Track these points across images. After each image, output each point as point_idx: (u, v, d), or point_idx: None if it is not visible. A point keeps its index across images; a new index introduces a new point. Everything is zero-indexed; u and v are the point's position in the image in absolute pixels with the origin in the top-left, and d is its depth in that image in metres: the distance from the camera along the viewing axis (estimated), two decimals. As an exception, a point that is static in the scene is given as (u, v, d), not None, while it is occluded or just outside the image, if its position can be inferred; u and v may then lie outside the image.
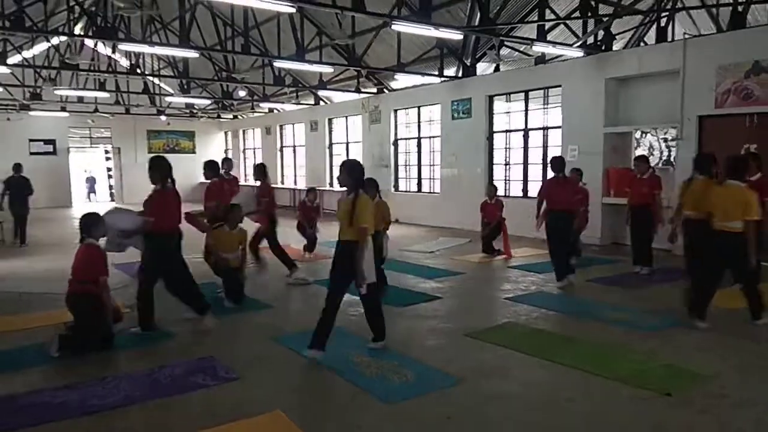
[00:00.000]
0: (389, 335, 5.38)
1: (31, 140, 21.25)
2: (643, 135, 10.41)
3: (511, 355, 4.90)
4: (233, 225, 6.95)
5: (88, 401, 3.94)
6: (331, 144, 18.81)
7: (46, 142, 21.59)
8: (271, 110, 21.64)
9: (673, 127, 9.77)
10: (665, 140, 10.07)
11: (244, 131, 24.49)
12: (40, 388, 4.22)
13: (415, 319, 6.10)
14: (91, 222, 5.13)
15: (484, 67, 13.59)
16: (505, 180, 12.93)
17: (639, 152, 10.15)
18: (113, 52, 16.32)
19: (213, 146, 25.42)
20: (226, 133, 25.61)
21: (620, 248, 10.06)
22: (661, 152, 10.68)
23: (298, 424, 3.61)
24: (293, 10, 8.12)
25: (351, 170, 4.71)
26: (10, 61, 14.18)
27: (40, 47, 16.95)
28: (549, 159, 9.04)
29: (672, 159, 9.95)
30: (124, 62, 18.82)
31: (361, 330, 5.68)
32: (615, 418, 3.71)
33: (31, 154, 21.07)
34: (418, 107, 15.15)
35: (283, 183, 21.42)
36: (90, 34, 12.54)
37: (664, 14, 10.02)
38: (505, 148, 12.94)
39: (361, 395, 4.08)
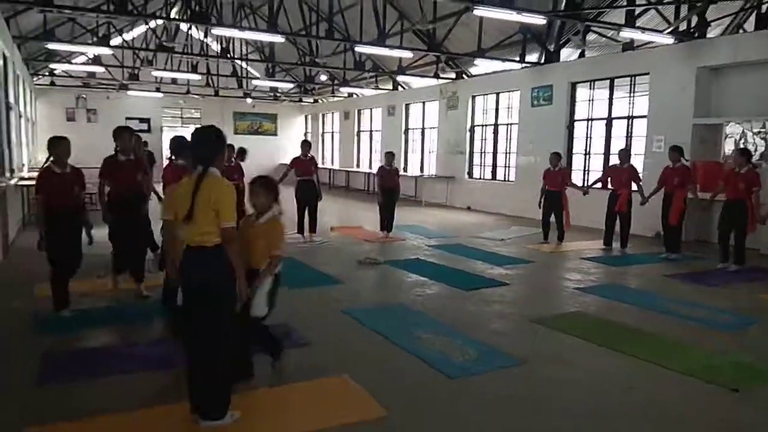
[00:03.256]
0: (456, 316, 5.52)
1: (127, 118, 22.66)
2: (738, 128, 9.87)
3: (576, 342, 4.90)
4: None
5: (173, 357, 4.28)
6: (407, 129, 18.95)
7: (142, 120, 22.96)
8: (350, 95, 22.02)
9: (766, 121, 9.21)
10: (759, 133, 9.50)
11: (323, 115, 25.08)
12: (134, 341, 4.70)
13: (481, 303, 6.18)
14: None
15: (567, 53, 13.23)
16: (585, 170, 12.62)
17: (730, 145, 9.66)
18: (205, 36, 17.13)
19: (294, 129, 26.19)
20: (306, 116, 26.31)
21: (704, 245, 9.64)
22: (756, 146, 10.11)
23: (364, 388, 3.82)
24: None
25: (199, 139, 3.29)
26: (113, 43, 15.22)
27: (139, 30, 18.09)
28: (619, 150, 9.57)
29: (766, 154, 9.38)
30: (215, 46, 19.75)
31: (426, 308, 5.85)
32: (675, 409, 3.67)
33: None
34: (497, 93, 14.99)
35: (359, 166, 21.82)
36: (185, 18, 13.21)
37: (766, 0, 9.39)
38: (587, 137, 12.61)
39: (424, 368, 4.24)
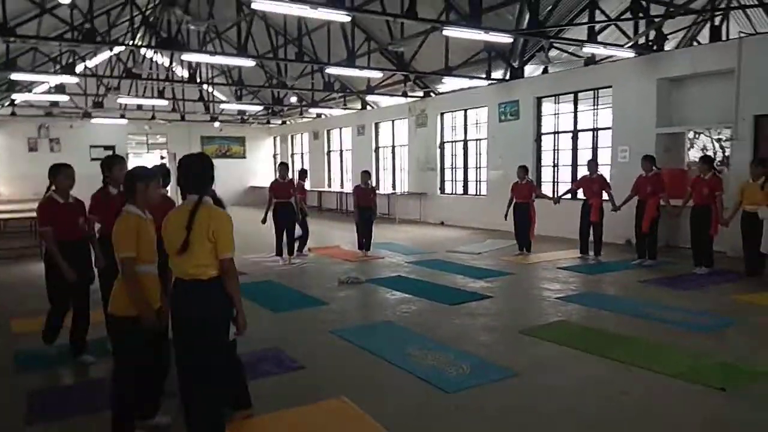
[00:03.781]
0: (444, 331, 5.58)
1: (92, 146, 22.28)
2: (696, 135, 10.28)
3: (565, 351, 5.00)
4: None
5: (168, 386, 4.22)
6: (377, 148, 19.09)
7: (107, 147, 22.55)
8: (318, 115, 22.10)
9: (727, 128, 9.62)
10: (719, 140, 9.91)
11: (292, 136, 25.08)
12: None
13: (468, 316, 6.25)
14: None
15: (531, 69, 13.59)
16: (554, 182, 12.92)
17: (693, 153, 10.05)
18: (171, 61, 17.03)
19: (262, 151, 26.13)
20: (275, 138, 26.26)
21: (674, 251, 9.94)
22: (715, 153, 10.54)
23: (363, 409, 3.83)
24: (348, 18, 8.38)
25: (189, 167, 3.12)
26: (76, 70, 14.99)
27: (102, 57, 17.86)
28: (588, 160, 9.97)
29: (726, 160, 9.78)
30: (180, 71, 19.62)
31: (413, 325, 5.89)
32: (669, 410, 3.79)
33: (92, 159, 22.11)
34: (465, 110, 15.26)
35: (330, 186, 21.84)
36: (153, 44, 13.12)
37: (718, 13, 9.86)
38: (554, 149, 12.92)
39: (419, 384, 4.27)
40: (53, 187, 4.81)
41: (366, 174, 10.60)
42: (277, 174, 9.97)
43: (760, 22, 10.76)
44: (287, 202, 9.67)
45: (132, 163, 6.21)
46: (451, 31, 9.22)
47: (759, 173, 7.64)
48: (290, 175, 10.08)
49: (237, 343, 3.45)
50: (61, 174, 4.78)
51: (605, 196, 9.54)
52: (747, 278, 7.69)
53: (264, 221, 9.80)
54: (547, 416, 3.74)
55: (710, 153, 10.20)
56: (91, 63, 16.96)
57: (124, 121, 21.32)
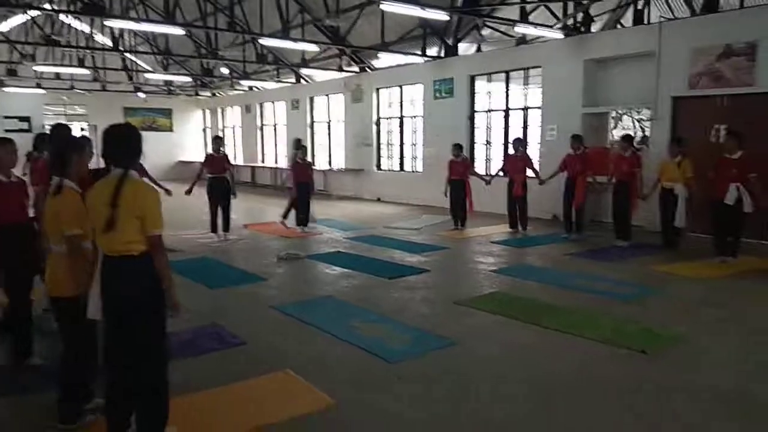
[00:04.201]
0: (384, 304, 5.69)
1: (5, 117, 20.82)
2: (619, 115, 10.80)
3: (499, 320, 5.24)
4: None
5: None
6: (312, 123, 18.88)
7: (21, 119, 21.15)
8: (251, 88, 21.55)
9: (648, 108, 10.16)
10: (640, 120, 10.46)
11: (222, 109, 24.34)
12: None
13: (406, 290, 6.39)
14: None
15: (465, 47, 13.79)
16: (486, 159, 13.25)
17: (617, 132, 10.55)
18: (92, 28, 16.07)
19: (191, 124, 25.22)
20: (204, 110, 25.41)
21: (597, 225, 10.47)
22: (636, 132, 11.12)
23: (309, 381, 3.88)
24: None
25: (114, 138, 2.95)
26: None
27: (16, 21, 16.61)
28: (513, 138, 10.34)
29: (646, 139, 10.35)
30: (100, 38, 18.55)
31: (354, 299, 5.97)
32: (596, 372, 4.07)
33: (6, 131, 20.69)
34: (401, 86, 15.31)
35: (263, 162, 21.44)
36: (74, 9, 12.34)
37: (641, -2, 10.32)
38: (487, 127, 13.23)
39: (362, 355, 4.37)
40: None
41: (301, 147, 10.52)
42: (212, 148, 9.70)
43: (678, 8, 11.34)
44: (222, 176, 9.46)
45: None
46: (388, 6, 9.20)
47: (676, 152, 8.15)
48: (224, 149, 9.82)
49: None
50: (4, 150, 4.12)
51: (529, 173, 9.92)
52: (664, 251, 8.24)
53: (188, 192, 9.49)
54: (485, 381, 3.92)
55: (631, 132, 10.75)
56: (3, 27, 15.75)
57: (41, 91, 20.00)
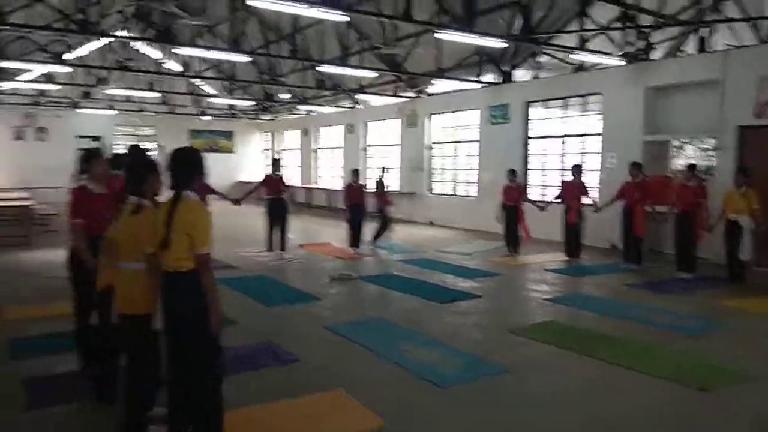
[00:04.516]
0: (435, 328, 5.70)
1: (79, 137, 22.07)
2: (682, 144, 10.52)
3: (553, 350, 5.15)
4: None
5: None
6: (366, 147, 19.17)
7: (93, 138, 22.35)
8: (308, 112, 22.12)
9: (711, 137, 9.86)
10: (705, 150, 10.15)
11: (281, 132, 25.05)
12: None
13: (458, 315, 6.38)
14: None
15: (521, 74, 13.78)
16: (542, 185, 13.11)
17: (681, 161, 10.27)
18: (162, 54, 16.95)
19: (251, 146, 26.05)
20: (263, 133, 26.21)
21: (658, 255, 10.15)
22: (699, 161, 10.77)
23: (359, 401, 3.93)
24: (346, 19, 8.46)
25: (173, 161, 3.14)
26: (65, 59, 14.88)
27: (92, 46, 17.69)
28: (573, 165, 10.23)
29: (710, 169, 10.02)
30: (170, 64, 19.51)
31: (405, 322, 6.00)
32: (652, 408, 3.94)
33: (79, 150, 21.92)
34: (455, 112, 15.40)
35: (317, 183, 21.87)
36: (147, 37, 13.08)
37: (704, 25, 10.10)
38: (543, 154, 13.11)
39: (413, 379, 4.39)
40: (85, 176, 4.22)
41: (355, 172, 10.75)
42: (271, 170, 10.03)
43: (745, 35, 11.02)
44: (279, 198, 9.74)
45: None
46: (446, 35, 9.34)
47: (741, 182, 7.87)
48: (280, 172, 10.15)
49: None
50: (100, 163, 4.23)
51: (585, 200, 9.75)
52: (730, 284, 7.92)
53: (237, 202, 9.56)
54: (538, 413, 3.87)
55: (695, 161, 10.42)
56: (80, 52, 16.80)
57: (112, 112, 21.14)
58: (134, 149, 4.95)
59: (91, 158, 4.25)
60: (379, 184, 11.16)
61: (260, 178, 10.35)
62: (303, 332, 5.67)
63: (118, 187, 4.06)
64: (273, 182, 9.82)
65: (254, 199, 10.06)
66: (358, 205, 10.54)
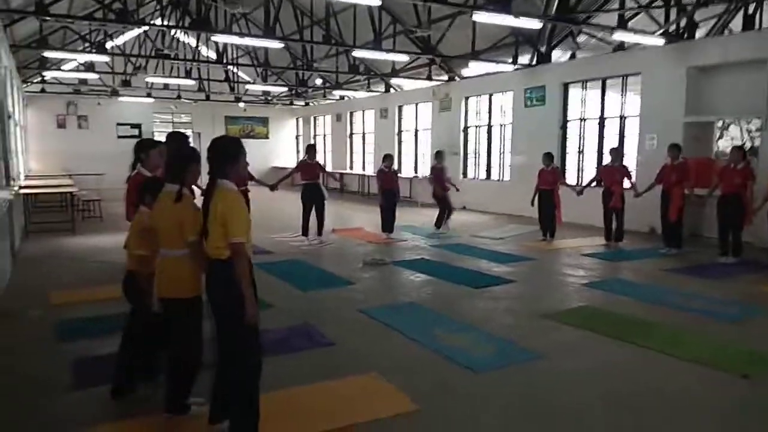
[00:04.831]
0: (468, 313, 5.71)
1: (118, 124, 22.62)
2: (726, 125, 10.17)
3: (588, 335, 5.10)
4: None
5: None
6: (400, 131, 19.13)
7: (133, 126, 22.88)
8: (342, 97, 22.15)
9: (757, 118, 9.51)
10: (749, 131, 9.81)
11: (315, 118, 25.18)
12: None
13: (492, 300, 6.36)
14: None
15: (559, 54, 13.48)
16: (578, 169, 12.88)
17: (723, 143, 9.95)
18: (198, 42, 17.18)
19: (285, 132, 26.28)
20: (297, 119, 26.40)
21: (698, 240, 9.91)
22: (744, 143, 10.42)
23: (394, 384, 3.98)
24: (379, 2, 8.41)
25: (209, 150, 3.16)
26: (106, 48, 15.23)
27: (130, 35, 18.07)
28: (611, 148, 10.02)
29: (755, 150, 9.68)
30: (204, 51, 19.77)
31: (438, 306, 6.02)
32: (692, 395, 3.88)
33: (119, 137, 22.50)
34: (490, 95, 15.21)
35: (351, 168, 21.96)
36: (183, 25, 13.27)
37: (751, 1, 9.68)
38: (580, 136, 12.86)
39: (447, 364, 4.41)
40: (139, 165, 4.25)
41: (389, 157, 10.73)
42: (306, 155, 10.09)
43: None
44: (314, 183, 9.83)
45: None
46: (481, 16, 9.20)
47: (788, 164, 7.58)
48: (317, 157, 10.21)
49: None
50: (155, 150, 4.28)
51: (627, 184, 9.53)
52: (773, 269, 7.68)
53: (273, 188, 9.57)
54: (573, 399, 3.85)
55: (741, 143, 10.08)
56: (119, 41, 17.18)
57: (150, 100, 21.58)
58: (175, 135, 5.01)
59: (146, 147, 4.33)
60: (437, 168, 11.31)
61: (293, 163, 10.44)
62: (337, 316, 5.74)
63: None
64: (309, 168, 9.90)
65: (287, 184, 10.15)
66: (391, 190, 10.55)
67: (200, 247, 3.21)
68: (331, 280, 7.29)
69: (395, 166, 10.92)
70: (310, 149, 10.17)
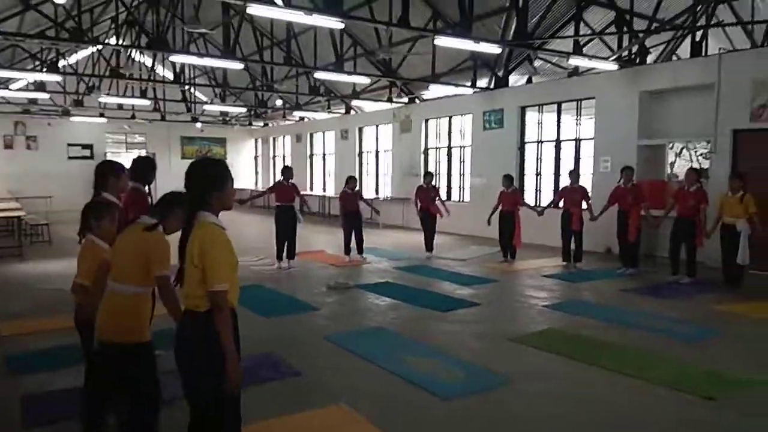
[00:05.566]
0: (436, 337, 5.67)
1: (69, 145, 21.94)
2: (680, 149, 10.55)
3: (554, 359, 5.12)
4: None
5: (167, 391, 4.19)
6: (361, 152, 19.15)
7: (84, 146, 22.26)
8: (302, 118, 22.08)
9: (706, 141, 9.89)
10: (701, 154, 10.20)
11: (274, 138, 24.99)
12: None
13: (458, 323, 6.34)
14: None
15: (516, 78, 13.81)
16: (536, 190, 13.11)
17: (678, 165, 10.30)
18: (154, 61, 16.87)
19: (244, 153, 25.99)
20: (256, 140, 26.15)
21: (653, 260, 10.17)
22: (695, 165, 10.82)
23: (363, 415, 3.88)
24: (342, 25, 8.44)
25: (187, 177, 2.66)
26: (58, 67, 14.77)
27: (84, 54, 17.59)
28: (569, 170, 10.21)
29: (705, 172, 10.05)
30: (161, 70, 19.43)
31: (405, 331, 5.96)
32: (658, 418, 3.91)
33: (70, 158, 21.81)
34: (449, 117, 15.41)
35: (312, 189, 21.81)
36: (140, 44, 13.01)
37: (698, 30, 10.15)
38: (537, 158, 13.13)
39: (416, 391, 4.34)
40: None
41: (352, 179, 10.69)
42: (282, 177, 9.92)
43: (737, 39, 11.10)
44: (289, 205, 9.67)
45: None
46: (443, 41, 9.33)
47: (737, 186, 7.88)
48: (293, 180, 10.06)
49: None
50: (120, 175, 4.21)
51: (585, 205, 9.75)
52: (726, 288, 7.92)
53: (243, 202, 9.68)
54: (543, 423, 3.83)
55: (695, 165, 10.45)
56: (72, 60, 16.70)
57: (103, 120, 21.02)
58: (141, 161, 4.86)
59: (118, 170, 4.22)
60: (426, 188, 11.22)
61: (252, 184, 10.29)
62: (303, 343, 5.61)
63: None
64: (285, 190, 9.74)
65: (246, 207, 9.97)
66: (354, 212, 10.48)
67: (170, 283, 2.90)
68: (294, 305, 7.14)
69: (357, 188, 10.81)
70: (287, 171, 10.00)
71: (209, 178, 2.62)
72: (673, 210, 8.60)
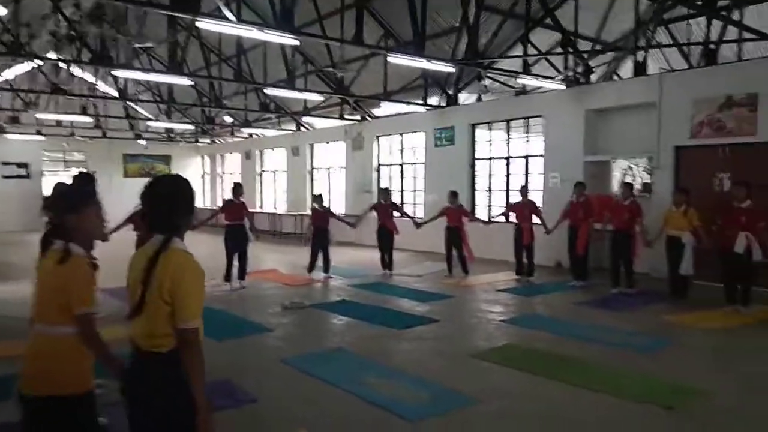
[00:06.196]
0: (396, 357, 5.55)
1: (4, 163, 20.85)
2: (630, 167, 10.88)
3: (516, 374, 5.10)
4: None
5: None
6: (312, 169, 18.97)
7: (19, 165, 21.20)
8: (251, 135, 21.73)
9: (649, 157, 10.26)
10: (645, 169, 10.55)
11: (222, 155, 24.48)
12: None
13: (418, 341, 6.26)
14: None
15: (465, 97, 14.01)
16: (488, 206, 13.27)
17: (623, 179, 10.61)
18: (96, 77, 16.28)
19: (190, 170, 25.26)
20: (203, 157, 25.55)
21: (600, 272, 10.37)
22: (639, 180, 11.20)
23: (327, 442, 3.73)
24: (297, 42, 8.33)
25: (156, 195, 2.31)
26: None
27: (20, 69, 16.78)
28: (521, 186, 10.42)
29: (648, 187, 10.40)
30: (102, 86, 18.75)
31: (364, 351, 5.83)
32: (627, 430, 3.92)
33: (4, 177, 20.71)
34: (401, 134, 15.47)
35: (262, 207, 21.43)
36: (82, 59, 12.51)
37: (639, 51, 10.56)
38: (489, 175, 13.31)
39: (380, 414, 4.22)
40: None
41: (319, 197, 10.65)
42: (232, 195, 9.61)
43: (675, 61, 11.61)
44: (240, 224, 9.38)
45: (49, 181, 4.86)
46: (396, 59, 9.36)
47: (681, 201, 8.17)
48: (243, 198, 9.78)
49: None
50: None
51: (536, 219, 9.92)
52: (672, 299, 8.16)
53: (193, 228, 9.31)
54: (511, 442, 3.78)
55: (632, 180, 10.79)
56: (8, 75, 15.89)
57: (40, 138, 20.08)
58: (81, 178, 4.51)
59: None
60: (384, 204, 11.13)
61: (200, 202, 9.98)
62: (258, 367, 5.39)
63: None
64: (234, 208, 9.46)
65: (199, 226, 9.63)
66: (323, 230, 10.34)
67: (93, 323, 2.42)
68: (247, 326, 6.90)
69: (306, 205, 10.70)
70: (237, 188, 9.71)
71: (181, 198, 2.31)
72: (611, 223, 8.82)
